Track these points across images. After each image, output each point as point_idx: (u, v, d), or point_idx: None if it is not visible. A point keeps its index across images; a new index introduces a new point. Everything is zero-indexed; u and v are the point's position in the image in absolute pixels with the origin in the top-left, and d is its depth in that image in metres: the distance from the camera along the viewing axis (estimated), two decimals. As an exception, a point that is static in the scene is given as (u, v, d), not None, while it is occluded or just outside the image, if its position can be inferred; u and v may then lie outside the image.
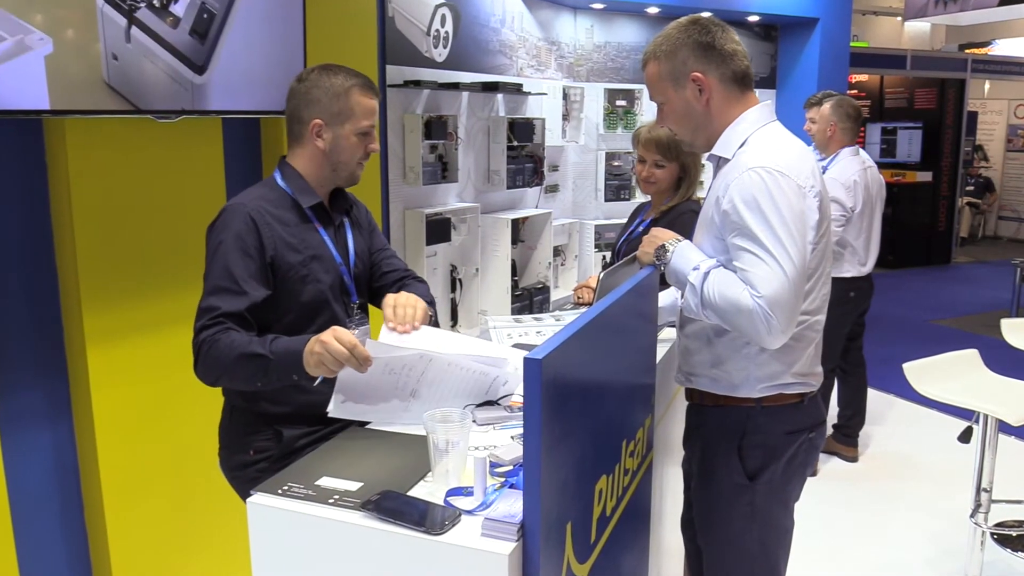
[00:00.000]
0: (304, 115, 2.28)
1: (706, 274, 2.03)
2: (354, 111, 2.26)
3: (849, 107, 4.66)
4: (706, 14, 2.22)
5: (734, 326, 2.00)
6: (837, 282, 4.49)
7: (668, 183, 3.20)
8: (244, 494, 2.01)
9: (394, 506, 1.57)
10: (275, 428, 2.27)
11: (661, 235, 2.21)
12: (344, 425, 2.09)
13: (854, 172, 4.54)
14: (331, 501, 1.62)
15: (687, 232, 2.29)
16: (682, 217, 3.04)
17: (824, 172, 4.57)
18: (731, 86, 2.14)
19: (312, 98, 2.27)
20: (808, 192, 2.04)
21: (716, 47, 2.12)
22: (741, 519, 2.21)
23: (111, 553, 2.91)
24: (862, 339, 4.97)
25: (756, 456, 2.18)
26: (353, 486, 1.69)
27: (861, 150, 4.74)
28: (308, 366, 1.97)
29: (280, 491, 1.67)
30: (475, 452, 1.80)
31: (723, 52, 2.12)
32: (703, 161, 2.76)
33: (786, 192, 1.97)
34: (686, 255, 2.11)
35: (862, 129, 11.48)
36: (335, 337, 1.91)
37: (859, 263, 4.64)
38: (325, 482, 1.71)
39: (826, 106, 4.67)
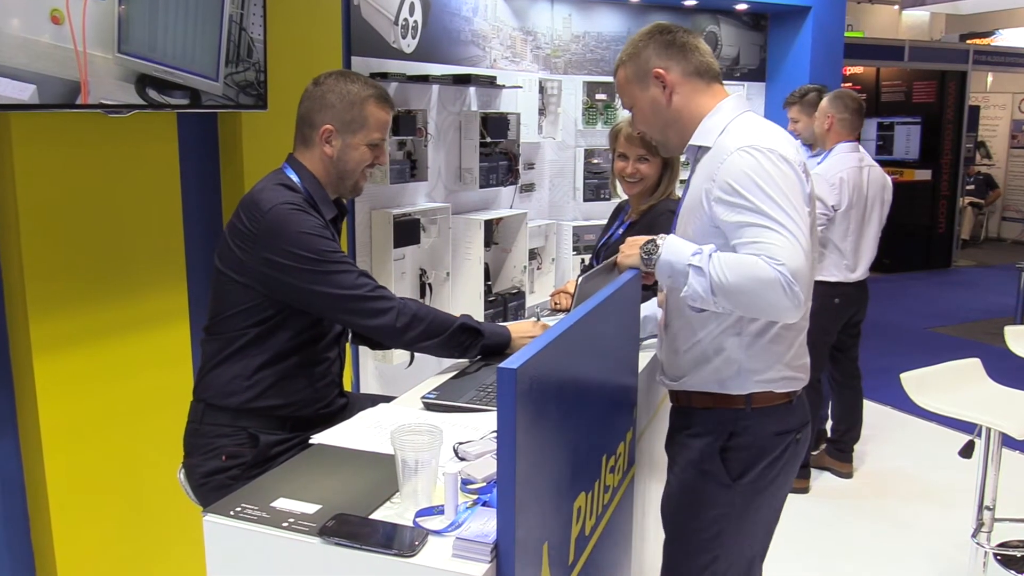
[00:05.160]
0: (316, 119, 2.37)
1: (710, 255, 2.03)
2: (367, 121, 2.38)
3: (848, 99, 4.70)
4: (690, 2, 2.25)
5: (751, 302, 1.99)
6: (820, 286, 4.53)
7: (654, 179, 3.20)
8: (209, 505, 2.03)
9: (354, 530, 1.57)
10: (250, 432, 2.30)
11: (640, 240, 2.22)
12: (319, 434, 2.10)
13: (843, 169, 4.57)
14: (285, 525, 1.62)
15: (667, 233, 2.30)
16: (661, 218, 3.05)
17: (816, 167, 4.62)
18: (694, 79, 2.25)
19: (327, 103, 2.36)
20: (797, 167, 2.09)
21: (676, 43, 2.24)
22: (719, 520, 2.27)
23: (58, 571, 2.91)
24: (856, 350, 5.00)
25: (742, 458, 2.23)
26: (310, 509, 1.68)
27: (862, 148, 4.78)
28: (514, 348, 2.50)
29: (232, 512, 1.67)
30: (446, 466, 1.80)
31: (685, 47, 2.24)
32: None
33: (780, 167, 2.04)
34: (677, 247, 2.12)
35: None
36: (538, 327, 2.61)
37: (847, 268, 4.65)
38: (281, 504, 1.70)
39: (824, 98, 4.72)
